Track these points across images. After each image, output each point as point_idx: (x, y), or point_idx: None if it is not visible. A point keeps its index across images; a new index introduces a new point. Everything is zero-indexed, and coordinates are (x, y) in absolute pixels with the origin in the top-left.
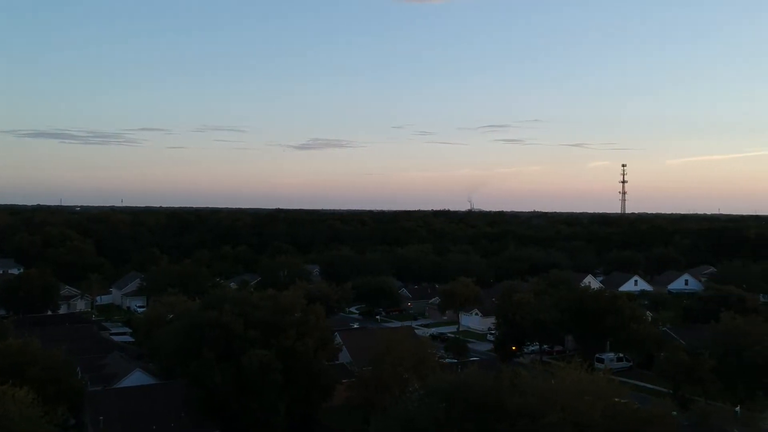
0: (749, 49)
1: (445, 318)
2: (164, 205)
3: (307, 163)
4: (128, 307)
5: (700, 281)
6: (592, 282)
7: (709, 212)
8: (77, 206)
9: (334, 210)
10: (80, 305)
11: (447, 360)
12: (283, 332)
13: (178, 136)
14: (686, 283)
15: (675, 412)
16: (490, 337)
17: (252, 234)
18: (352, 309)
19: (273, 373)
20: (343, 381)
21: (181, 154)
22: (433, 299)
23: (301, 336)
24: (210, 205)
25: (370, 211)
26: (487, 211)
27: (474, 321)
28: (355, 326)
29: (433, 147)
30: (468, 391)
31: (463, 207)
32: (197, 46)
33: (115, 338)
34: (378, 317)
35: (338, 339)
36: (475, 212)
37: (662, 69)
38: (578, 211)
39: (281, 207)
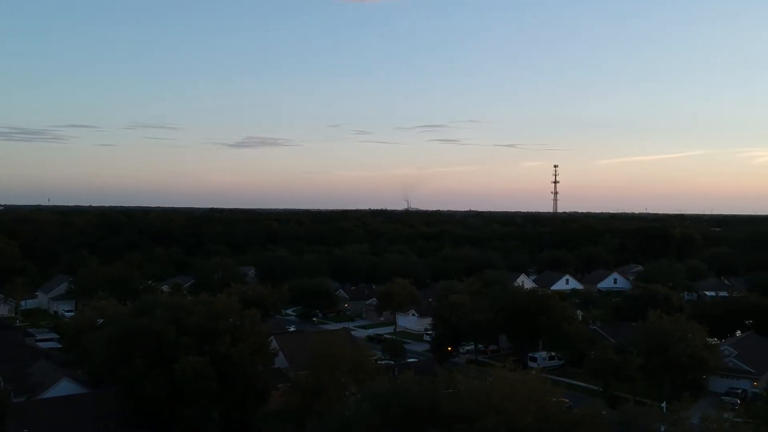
0: (675, 54)
1: (383, 319)
2: (93, 205)
3: (243, 161)
4: (55, 312)
5: (628, 280)
6: (525, 281)
7: (637, 211)
8: (0, 205)
9: (270, 209)
10: (3, 310)
11: (384, 361)
12: (217, 338)
13: (107, 133)
14: (615, 282)
15: (604, 411)
16: (427, 338)
17: (185, 235)
18: (289, 311)
19: (207, 379)
20: (279, 386)
21: (111, 152)
22: (371, 300)
23: (236, 341)
24: (141, 205)
25: (307, 211)
26: (423, 210)
27: (411, 321)
28: (292, 329)
29: (371, 146)
30: (404, 397)
31: (401, 206)
32: (128, 40)
33: (41, 345)
34: (315, 319)
35: (274, 343)
36: (412, 211)
37: (592, 72)
38: (512, 210)
39: (216, 206)
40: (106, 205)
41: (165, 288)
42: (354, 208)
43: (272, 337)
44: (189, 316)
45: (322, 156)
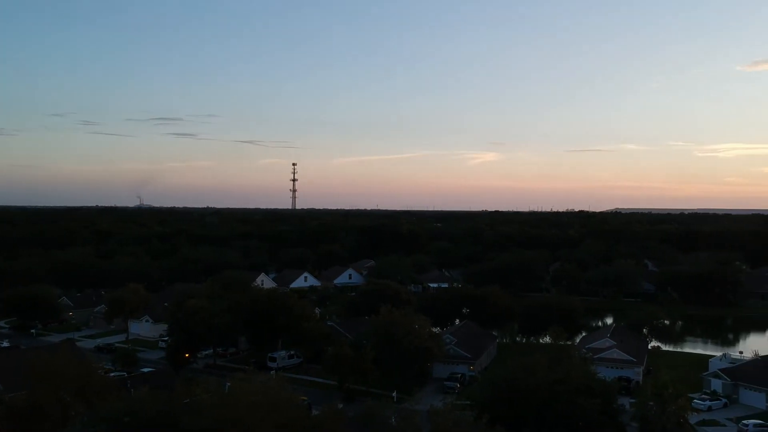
0: (405, 62)
1: (113, 327)
2: None
3: None
4: None
5: (362, 275)
6: (265, 280)
7: (369, 208)
8: None
9: None
10: None
11: (115, 373)
12: None
13: None
14: (350, 277)
15: (341, 405)
16: (162, 345)
17: None
18: (2, 323)
19: None
20: None
21: None
22: (99, 307)
23: None
24: None
25: (23, 209)
26: (158, 208)
27: (144, 328)
28: (5, 344)
29: (99, 138)
30: (139, 416)
31: (133, 203)
32: None
33: None
34: (33, 331)
35: None
36: (144, 208)
37: (330, 72)
38: (252, 207)
39: None
40: None
41: None
42: (79, 206)
43: None
44: None
45: (40, 147)
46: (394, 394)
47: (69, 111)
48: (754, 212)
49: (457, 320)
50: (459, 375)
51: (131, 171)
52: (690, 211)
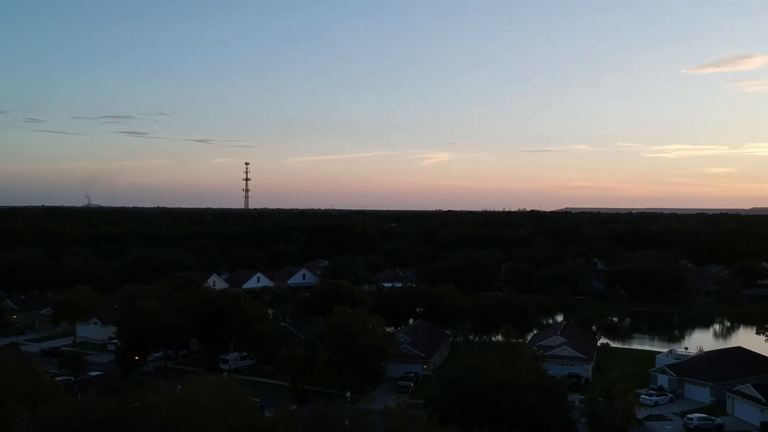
0: (358, 61)
1: (59, 330)
2: None
3: None
4: None
5: (316, 275)
6: (217, 281)
7: (323, 207)
8: None
9: None
10: None
11: (62, 378)
12: None
13: None
14: (304, 278)
15: (294, 406)
16: (112, 347)
17: None
18: None
19: None
20: None
21: None
22: (45, 310)
23: None
24: None
25: None
26: (107, 207)
27: (93, 331)
28: None
29: (45, 136)
30: (87, 421)
31: (80, 203)
32: None
33: None
34: None
35: None
36: (93, 208)
37: (283, 71)
38: (203, 206)
39: None
40: None
41: None
42: (24, 206)
43: None
44: None
45: None
46: (348, 394)
47: (12, 108)
48: (698, 212)
49: (411, 320)
50: (413, 374)
51: (80, 170)
52: (638, 211)
